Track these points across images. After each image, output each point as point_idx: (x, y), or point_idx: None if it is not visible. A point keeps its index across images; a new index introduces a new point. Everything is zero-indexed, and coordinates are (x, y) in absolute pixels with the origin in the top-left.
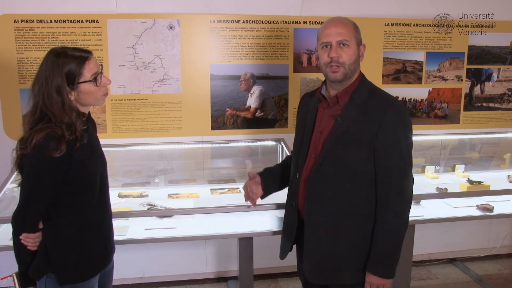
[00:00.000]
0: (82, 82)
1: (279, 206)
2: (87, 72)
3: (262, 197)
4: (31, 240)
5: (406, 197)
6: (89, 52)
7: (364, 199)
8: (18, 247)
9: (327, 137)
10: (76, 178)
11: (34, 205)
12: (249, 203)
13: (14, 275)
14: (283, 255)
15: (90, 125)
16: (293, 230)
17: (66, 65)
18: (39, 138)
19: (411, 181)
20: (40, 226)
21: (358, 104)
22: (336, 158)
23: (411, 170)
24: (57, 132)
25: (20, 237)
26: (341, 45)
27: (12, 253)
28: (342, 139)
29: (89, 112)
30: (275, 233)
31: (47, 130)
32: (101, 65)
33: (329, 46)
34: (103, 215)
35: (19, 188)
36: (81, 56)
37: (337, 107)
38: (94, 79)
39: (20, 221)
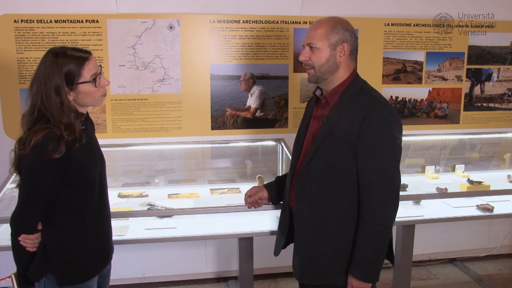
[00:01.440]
0: (81, 83)
1: (279, 206)
2: (87, 72)
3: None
4: (30, 241)
5: (386, 200)
6: (88, 53)
7: (349, 201)
8: (17, 248)
9: (313, 137)
10: (75, 178)
11: (33, 206)
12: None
13: (12, 276)
14: (277, 252)
15: (88, 125)
16: (286, 228)
17: (65, 65)
18: (37, 138)
19: (394, 184)
20: (39, 227)
21: (345, 104)
22: (322, 159)
23: (396, 172)
24: (55, 132)
25: (19, 238)
26: (311, 48)
27: (12, 253)
28: (327, 139)
29: (87, 113)
30: (275, 233)
31: (46, 131)
32: (100, 66)
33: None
34: (102, 216)
35: (18, 189)
36: (81, 56)
37: (327, 107)
38: (93, 80)
39: (19, 222)
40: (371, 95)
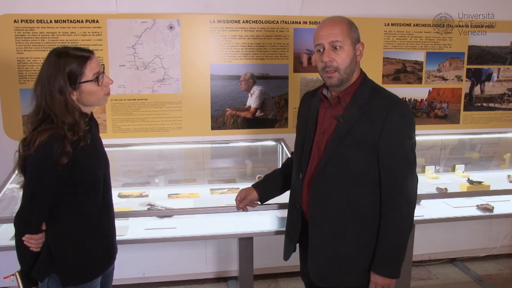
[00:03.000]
0: (84, 82)
1: (279, 206)
2: (89, 71)
3: (261, 202)
4: (34, 241)
5: (410, 198)
6: (90, 52)
7: (369, 200)
8: (21, 248)
9: (330, 138)
10: (80, 179)
11: (38, 206)
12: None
13: (16, 273)
14: (286, 257)
15: (93, 126)
16: (297, 232)
17: (68, 65)
18: (42, 139)
19: (415, 181)
20: (43, 227)
21: (360, 104)
22: (340, 159)
23: (415, 170)
24: (60, 133)
25: (23, 238)
26: (334, 47)
27: (12, 253)
28: (345, 140)
29: (91, 113)
30: (275, 233)
31: (50, 131)
32: (103, 65)
33: (322, 49)
34: (106, 216)
35: (22, 189)
36: (83, 55)
37: (339, 107)
38: (96, 79)
39: (23, 222)
40: (386, 94)
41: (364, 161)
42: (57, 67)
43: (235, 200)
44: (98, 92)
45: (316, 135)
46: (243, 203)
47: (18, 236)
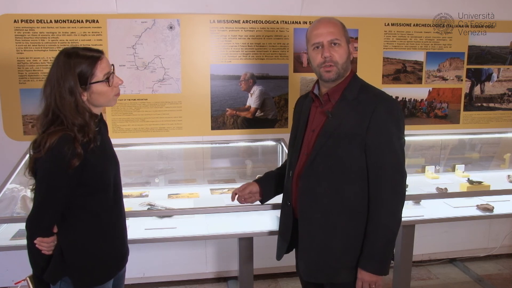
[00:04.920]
0: (95, 83)
1: (279, 206)
2: (99, 72)
3: (261, 202)
4: (45, 244)
5: (399, 194)
6: (100, 52)
7: (358, 195)
8: (33, 251)
9: (319, 134)
10: (90, 180)
11: (49, 209)
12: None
13: (28, 278)
14: (279, 256)
15: (102, 127)
16: (289, 230)
17: (78, 66)
18: (52, 141)
19: (403, 176)
20: (55, 230)
21: (349, 100)
22: (328, 154)
23: (404, 166)
24: (70, 134)
25: (35, 241)
26: (333, 44)
27: (12, 253)
28: (334, 135)
29: (101, 114)
30: (274, 233)
31: (60, 133)
32: (113, 65)
33: (320, 47)
34: (117, 217)
35: (33, 192)
36: (93, 56)
37: (328, 104)
38: (107, 79)
39: (35, 225)
40: (375, 91)
41: (352, 156)
42: (67, 67)
43: (232, 192)
44: (108, 92)
45: (306, 133)
46: (240, 191)
47: (30, 239)
